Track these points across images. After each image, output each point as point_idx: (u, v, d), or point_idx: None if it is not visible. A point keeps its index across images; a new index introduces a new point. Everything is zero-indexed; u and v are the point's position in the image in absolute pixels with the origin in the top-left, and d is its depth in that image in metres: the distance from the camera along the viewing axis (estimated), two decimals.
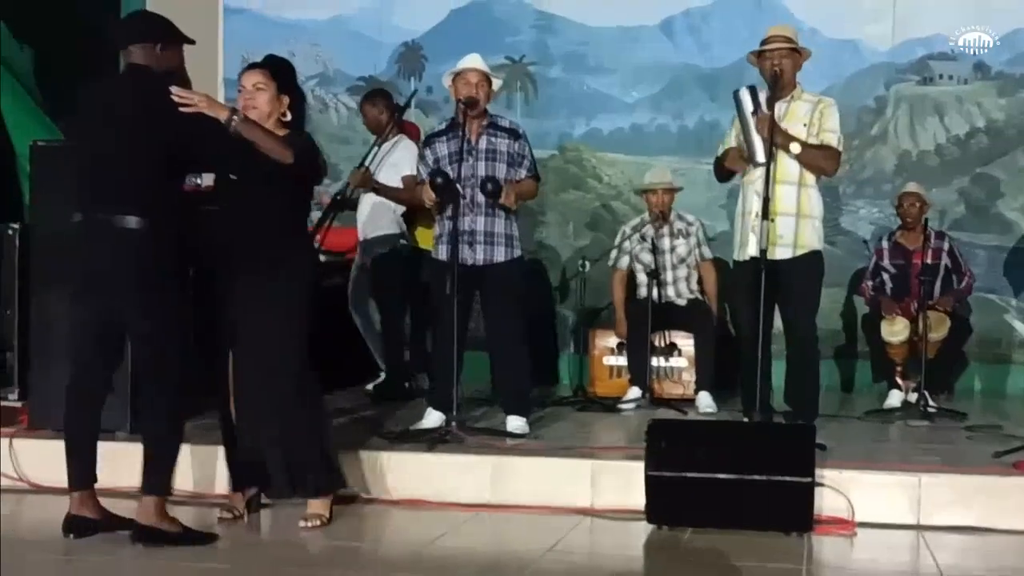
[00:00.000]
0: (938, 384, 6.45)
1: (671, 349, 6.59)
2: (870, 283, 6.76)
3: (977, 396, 7.15)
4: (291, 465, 4.30)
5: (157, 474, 4.05)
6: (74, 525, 4.07)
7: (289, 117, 4.29)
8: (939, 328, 6.35)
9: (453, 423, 5.11)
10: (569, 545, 4.21)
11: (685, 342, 6.59)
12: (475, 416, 5.67)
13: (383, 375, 6.61)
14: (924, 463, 4.78)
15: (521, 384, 5.44)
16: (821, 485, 4.41)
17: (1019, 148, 7.29)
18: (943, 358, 6.44)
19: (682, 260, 6.61)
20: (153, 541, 3.96)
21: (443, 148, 5.37)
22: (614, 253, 6.76)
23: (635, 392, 6.40)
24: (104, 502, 4.16)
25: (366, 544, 4.26)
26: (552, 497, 4.65)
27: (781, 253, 5.01)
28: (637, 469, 4.40)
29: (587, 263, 6.71)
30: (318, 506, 4.31)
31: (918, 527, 4.44)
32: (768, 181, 4.85)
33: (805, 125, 5.06)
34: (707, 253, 6.68)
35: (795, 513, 4.25)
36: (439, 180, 5.11)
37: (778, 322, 5.28)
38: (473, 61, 5.33)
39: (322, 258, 5.84)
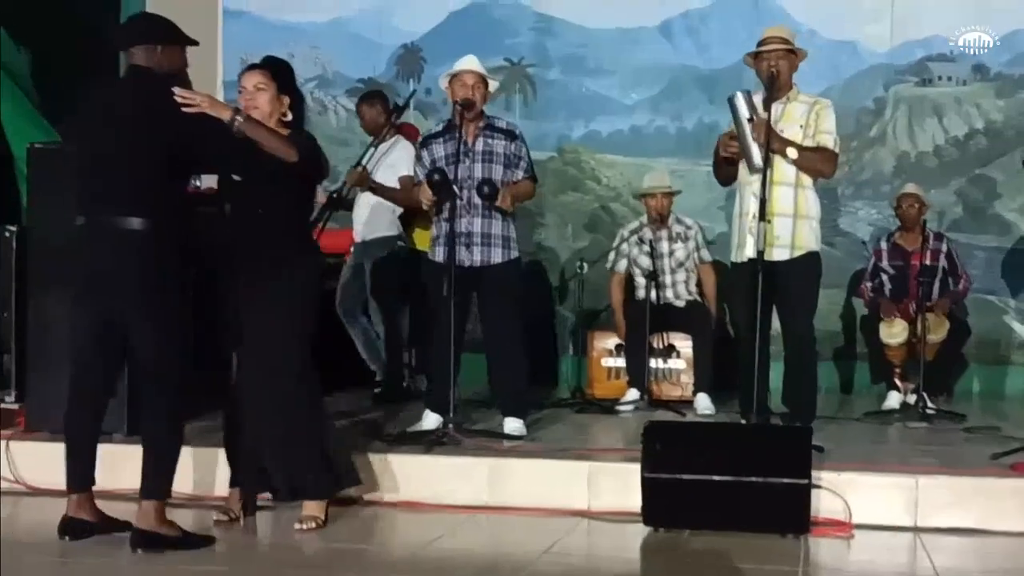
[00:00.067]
0: (937, 386, 6.45)
1: (669, 351, 6.59)
2: (869, 284, 6.76)
3: (976, 397, 7.14)
4: (290, 466, 4.30)
5: (156, 478, 4.03)
6: (70, 527, 4.07)
7: (290, 117, 4.29)
8: (938, 330, 6.35)
9: (451, 425, 5.11)
10: (566, 547, 4.21)
11: (683, 344, 6.58)
12: (473, 418, 5.67)
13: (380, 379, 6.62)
14: (922, 465, 4.77)
15: (518, 386, 5.44)
16: (818, 487, 4.41)
17: (1018, 149, 7.27)
18: (942, 360, 6.43)
19: (680, 264, 6.61)
20: (152, 546, 3.95)
21: (440, 150, 5.37)
22: (612, 256, 6.76)
23: (633, 394, 6.40)
24: (101, 504, 4.16)
25: (363, 546, 4.25)
26: (549, 499, 4.65)
27: (778, 254, 5.01)
28: (634, 471, 4.39)
29: (585, 265, 6.72)
30: (313, 508, 4.31)
31: (915, 529, 4.43)
32: (765, 182, 4.84)
33: (801, 126, 5.05)
34: (706, 256, 6.68)
35: (792, 515, 4.24)
36: (436, 177, 5.11)
37: (776, 323, 5.27)
38: (469, 63, 5.33)
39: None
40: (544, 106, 7.92)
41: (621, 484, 4.55)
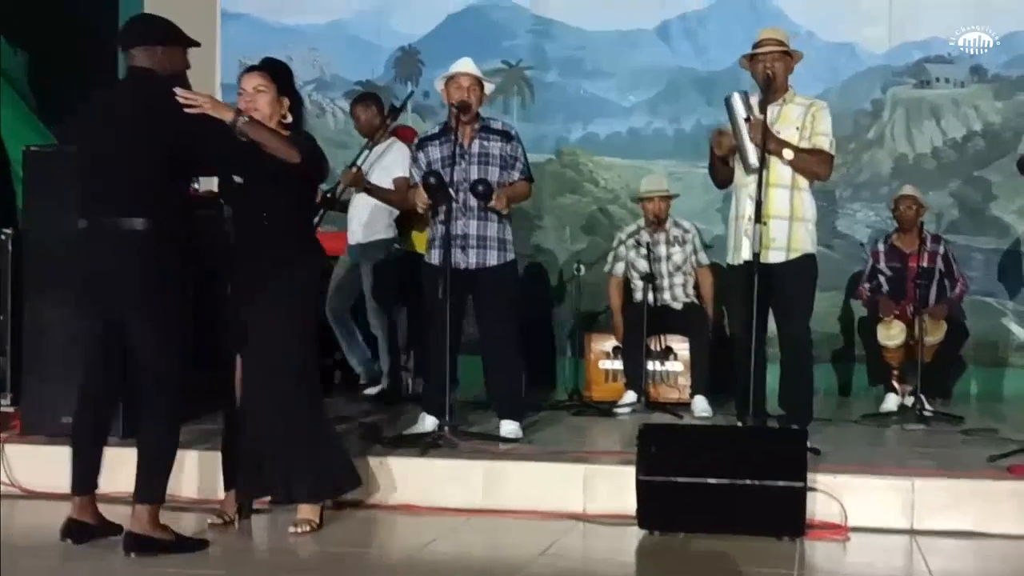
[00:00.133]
0: (934, 388, 6.44)
1: (667, 353, 6.59)
2: (867, 285, 6.76)
3: (974, 399, 7.13)
4: (287, 468, 4.29)
5: (152, 482, 4.01)
6: (72, 530, 4.05)
7: (290, 119, 4.28)
8: (935, 332, 6.34)
9: (447, 428, 5.10)
10: (561, 550, 4.20)
11: (681, 346, 6.58)
12: (470, 420, 5.66)
13: (360, 380, 6.62)
14: (918, 467, 4.76)
15: (514, 388, 5.44)
16: (814, 490, 4.40)
17: (1016, 151, 7.26)
18: (939, 362, 6.43)
19: (678, 268, 6.60)
20: (145, 550, 3.93)
21: (436, 152, 5.36)
22: (610, 259, 6.75)
23: (631, 396, 6.39)
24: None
25: (358, 549, 4.24)
26: (545, 502, 4.64)
27: (774, 257, 5.00)
28: (630, 474, 4.38)
29: (582, 267, 6.71)
30: (308, 511, 4.30)
31: (912, 532, 4.42)
32: (761, 185, 4.84)
33: (797, 128, 5.04)
34: (703, 259, 6.67)
35: (787, 518, 4.23)
36: (432, 180, 5.11)
37: (772, 326, 5.26)
38: (465, 65, 5.33)
39: None
40: (542, 108, 7.93)
41: (617, 487, 4.54)
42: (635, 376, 6.41)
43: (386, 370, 6.64)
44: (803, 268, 5.09)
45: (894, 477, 4.57)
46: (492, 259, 5.32)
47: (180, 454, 4.70)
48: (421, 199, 5.25)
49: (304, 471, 4.30)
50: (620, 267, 6.72)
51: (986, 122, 7.47)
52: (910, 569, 4.17)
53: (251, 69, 4.34)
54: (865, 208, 7.56)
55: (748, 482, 4.24)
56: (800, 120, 5.07)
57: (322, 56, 8.24)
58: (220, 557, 4.05)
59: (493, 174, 5.30)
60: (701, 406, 6.29)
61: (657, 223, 6.59)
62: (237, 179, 4.32)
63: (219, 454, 4.54)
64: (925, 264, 6.45)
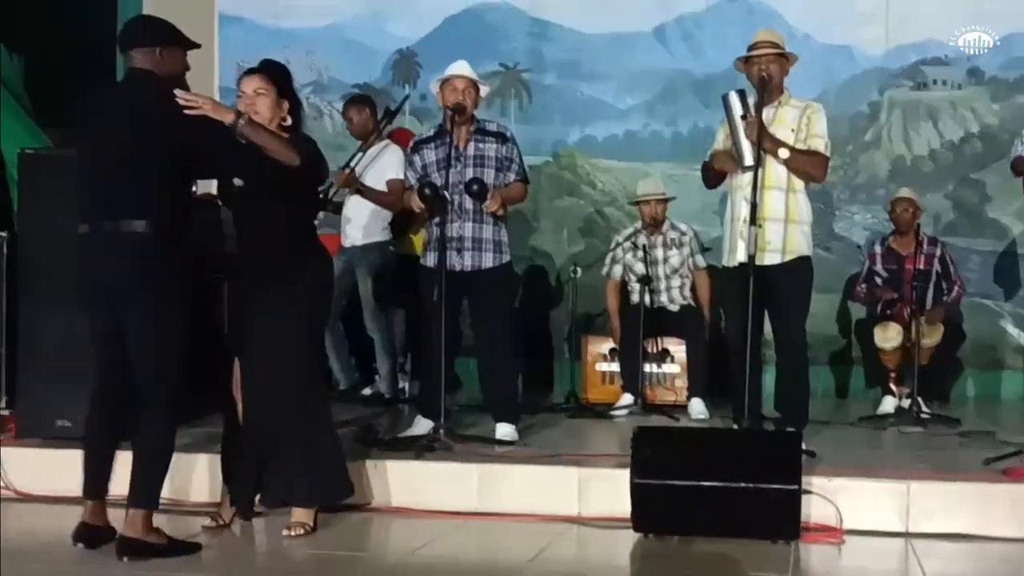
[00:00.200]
0: (932, 390, 6.45)
1: (664, 355, 6.59)
2: (863, 286, 6.76)
3: (971, 402, 7.13)
4: (285, 471, 4.29)
5: (147, 487, 3.99)
6: (84, 534, 4.03)
7: (289, 122, 4.27)
8: (932, 334, 6.34)
9: (442, 430, 5.10)
10: (555, 553, 4.19)
11: (677, 348, 6.58)
12: (466, 423, 5.66)
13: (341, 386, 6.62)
14: (914, 470, 4.75)
15: (510, 391, 5.43)
16: (809, 492, 4.38)
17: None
18: (936, 364, 6.44)
19: (675, 270, 6.60)
20: (138, 554, 3.90)
21: (431, 155, 5.36)
22: (607, 262, 6.75)
23: (627, 399, 6.39)
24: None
25: (352, 553, 4.23)
26: (539, 505, 4.62)
27: (770, 259, 4.99)
28: (625, 477, 4.36)
29: (578, 269, 6.71)
30: (302, 515, 4.29)
31: (907, 534, 4.41)
32: (756, 187, 4.83)
33: (793, 130, 5.03)
34: (700, 262, 6.67)
35: (782, 521, 4.21)
36: (427, 191, 5.11)
37: (768, 328, 5.26)
38: (460, 68, 5.32)
39: None
40: (539, 111, 7.94)
41: (612, 490, 4.51)
42: (632, 378, 6.41)
43: (384, 372, 6.64)
44: (799, 270, 5.08)
45: (889, 480, 4.55)
46: (488, 261, 5.31)
47: (190, 458, 4.76)
48: (416, 203, 5.24)
49: (301, 475, 4.29)
50: (617, 270, 6.71)
51: (983, 124, 7.47)
52: (905, 572, 4.15)
53: (251, 71, 4.32)
54: (862, 210, 7.56)
55: (742, 485, 4.23)
56: (796, 122, 5.06)
57: (319, 59, 8.25)
58: (213, 561, 4.03)
59: (489, 176, 5.29)
60: (698, 408, 6.28)
61: (654, 226, 6.59)
62: (237, 182, 4.31)
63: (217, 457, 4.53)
64: (921, 266, 6.45)
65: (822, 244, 7.15)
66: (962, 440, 5.58)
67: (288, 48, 7.85)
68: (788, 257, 5.05)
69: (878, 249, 6.77)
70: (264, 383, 4.21)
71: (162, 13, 4.38)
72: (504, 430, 5.30)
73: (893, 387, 6.45)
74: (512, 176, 5.39)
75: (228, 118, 3.94)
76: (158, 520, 4.04)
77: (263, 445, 4.28)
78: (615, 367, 6.64)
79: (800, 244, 5.08)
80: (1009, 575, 4.12)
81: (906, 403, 6.26)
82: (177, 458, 4.60)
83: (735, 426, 5.07)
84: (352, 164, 6.32)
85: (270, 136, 4.06)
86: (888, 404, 6.41)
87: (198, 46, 4.24)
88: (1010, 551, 4.27)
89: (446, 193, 5.21)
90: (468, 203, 5.25)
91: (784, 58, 5.11)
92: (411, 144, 5.67)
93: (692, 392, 6.39)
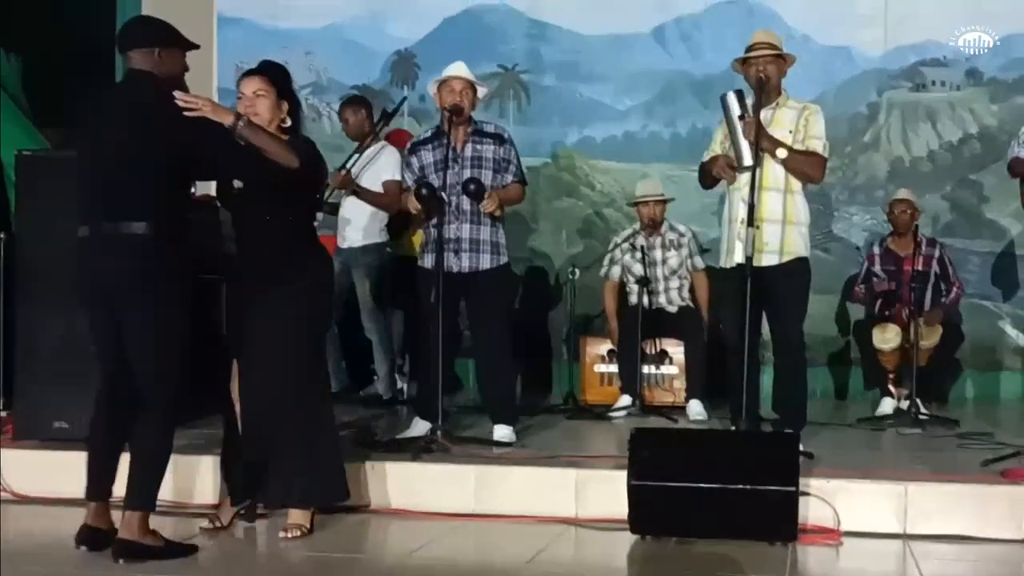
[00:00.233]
0: (930, 391, 6.44)
1: (662, 357, 6.58)
2: (862, 287, 6.76)
3: (970, 403, 7.12)
4: (283, 473, 4.28)
5: (143, 489, 3.96)
6: (87, 537, 4.01)
7: (289, 123, 4.27)
8: (931, 336, 6.34)
9: (439, 432, 5.09)
10: (552, 555, 4.18)
11: (676, 349, 6.57)
12: (464, 425, 5.65)
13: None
14: (912, 471, 4.75)
15: (507, 392, 5.43)
16: (806, 494, 4.38)
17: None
18: (935, 365, 6.44)
19: (674, 272, 6.60)
20: (135, 556, 3.89)
21: (428, 156, 5.36)
22: (606, 262, 6.75)
23: (626, 400, 6.39)
24: (83, 513, 4.12)
25: (348, 555, 4.22)
26: (537, 506, 4.62)
27: (767, 260, 4.98)
28: (623, 478, 4.34)
29: (576, 271, 6.71)
30: (298, 516, 4.28)
31: (904, 536, 4.40)
32: (754, 188, 4.83)
33: (791, 132, 5.03)
34: (699, 263, 6.66)
35: (779, 522, 4.21)
36: (424, 192, 5.11)
37: (766, 329, 5.25)
38: (457, 69, 5.32)
39: None
40: (538, 112, 7.93)
41: (609, 491, 4.50)
42: (630, 380, 6.41)
43: (382, 374, 6.64)
44: (796, 271, 5.08)
45: (887, 481, 4.54)
46: (485, 263, 5.31)
47: (194, 460, 4.76)
48: (413, 204, 5.24)
49: (298, 476, 4.29)
50: (616, 271, 6.71)
51: (982, 125, 7.47)
52: (903, 574, 4.14)
53: (250, 73, 4.32)
54: (861, 211, 7.56)
55: (740, 486, 4.22)
56: (793, 124, 5.06)
57: (318, 60, 8.25)
58: (210, 563, 4.03)
59: (486, 177, 5.29)
60: (696, 410, 6.28)
61: (652, 227, 6.58)
62: (237, 184, 4.30)
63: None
64: (920, 268, 6.44)
65: (821, 245, 7.15)
66: (960, 442, 5.56)
67: (287, 49, 7.85)
68: (786, 258, 5.04)
69: (876, 250, 6.77)
70: (263, 384, 4.21)
71: (161, 14, 4.38)
72: (501, 432, 5.29)
73: (892, 388, 6.44)
74: (510, 177, 5.39)
75: (227, 120, 3.93)
76: (161, 522, 4.04)
77: (262, 446, 4.27)
78: (613, 368, 6.64)
79: (798, 245, 5.08)
80: None
81: (905, 404, 6.26)
82: (182, 460, 4.65)
83: (732, 427, 5.06)
84: (348, 165, 6.31)
85: (269, 138, 4.05)
86: (887, 405, 6.41)
87: (197, 47, 4.23)
88: (1008, 553, 4.26)
89: (443, 194, 5.21)
90: (465, 204, 5.25)
91: (782, 59, 5.11)
92: (408, 145, 5.66)
93: (691, 393, 6.39)
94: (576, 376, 6.84)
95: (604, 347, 6.73)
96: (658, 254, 6.59)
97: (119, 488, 4.08)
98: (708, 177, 5.23)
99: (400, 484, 4.74)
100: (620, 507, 4.36)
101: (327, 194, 6.30)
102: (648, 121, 7.84)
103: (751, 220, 4.79)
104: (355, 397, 6.66)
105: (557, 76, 7.96)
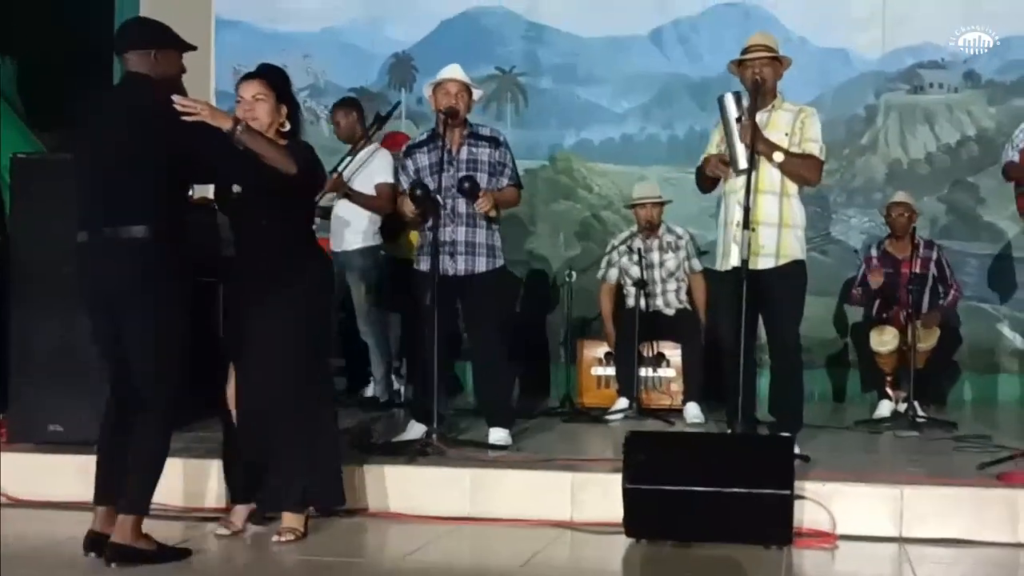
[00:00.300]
0: (928, 394, 6.44)
1: (659, 359, 6.58)
2: (859, 289, 6.75)
3: (968, 405, 7.11)
4: (279, 476, 4.27)
5: (139, 493, 3.95)
6: (95, 543, 3.97)
7: (288, 127, 4.26)
8: (928, 338, 6.33)
9: (435, 435, 5.08)
10: (547, 558, 4.16)
11: (673, 352, 6.57)
12: (461, 428, 5.64)
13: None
14: (908, 474, 4.73)
15: (503, 395, 5.42)
16: (802, 497, 4.37)
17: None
18: (933, 368, 6.43)
19: (671, 274, 6.59)
20: (127, 560, 3.88)
21: (424, 159, 5.35)
22: (603, 264, 6.74)
23: (623, 403, 6.38)
24: (80, 516, 4.12)
25: (343, 558, 4.20)
26: (532, 510, 4.60)
27: (764, 263, 4.98)
28: (618, 481, 4.34)
29: (574, 273, 6.70)
30: (292, 520, 4.27)
31: (900, 539, 4.39)
32: (750, 191, 4.82)
33: (787, 135, 5.02)
34: (696, 266, 6.66)
35: (775, 526, 4.19)
36: (419, 192, 5.10)
37: (763, 332, 5.24)
38: (453, 72, 5.31)
39: None
40: (535, 115, 7.94)
41: (605, 495, 4.49)
42: (627, 382, 6.40)
43: (378, 376, 6.63)
44: (792, 274, 5.07)
45: (883, 485, 4.53)
46: (481, 265, 5.30)
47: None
48: (409, 207, 5.23)
49: (295, 478, 4.28)
50: (613, 273, 6.71)
51: (980, 127, 7.47)
52: None
53: (249, 76, 4.30)
54: (859, 214, 7.56)
55: (735, 490, 4.21)
56: (789, 126, 5.05)
57: (316, 63, 8.26)
58: (203, 567, 4.01)
59: (482, 180, 5.28)
60: (693, 412, 6.27)
61: (650, 229, 6.58)
62: (235, 188, 4.29)
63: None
64: (918, 270, 6.43)
65: (819, 248, 7.15)
66: (957, 445, 5.55)
67: (284, 52, 7.84)
68: (782, 261, 5.03)
69: (874, 252, 6.76)
70: (261, 386, 4.20)
71: (159, 17, 4.37)
72: (497, 435, 5.28)
73: (889, 391, 6.44)
74: (505, 181, 5.38)
75: (226, 125, 3.91)
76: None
77: (261, 449, 4.26)
78: (610, 371, 6.63)
79: (794, 248, 5.06)
80: None
81: (902, 407, 6.25)
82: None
83: (729, 430, 5.05)
84: (340, 168, 6.30)
85: (267, 143, 4.04)
86: (884, 408, 6.40)
87: (194, 48, 4.21)
88: (1004, 556, 4.25)
89: (438, 197, 5.20)
90: (461, 207, 5.24)
91: (778, 62, 5.10)
92: (404, 148, 5.66)
93: (688, 396, 6.38)
94: (573, 379, 6.83)
95: (601, 350, 6.72)
96: (655, 256, 6.58)
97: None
98: (705, 180, 5.23)
99: (396, 487, 4.73)
100: (616, 510, 4.35)
101: (319, 198, 6.28)
102: (645, 123, 7.85)
103: (747, 223, 4.78)
104: (352, 400, 6.64)
105: (554, 79, 7.96)
